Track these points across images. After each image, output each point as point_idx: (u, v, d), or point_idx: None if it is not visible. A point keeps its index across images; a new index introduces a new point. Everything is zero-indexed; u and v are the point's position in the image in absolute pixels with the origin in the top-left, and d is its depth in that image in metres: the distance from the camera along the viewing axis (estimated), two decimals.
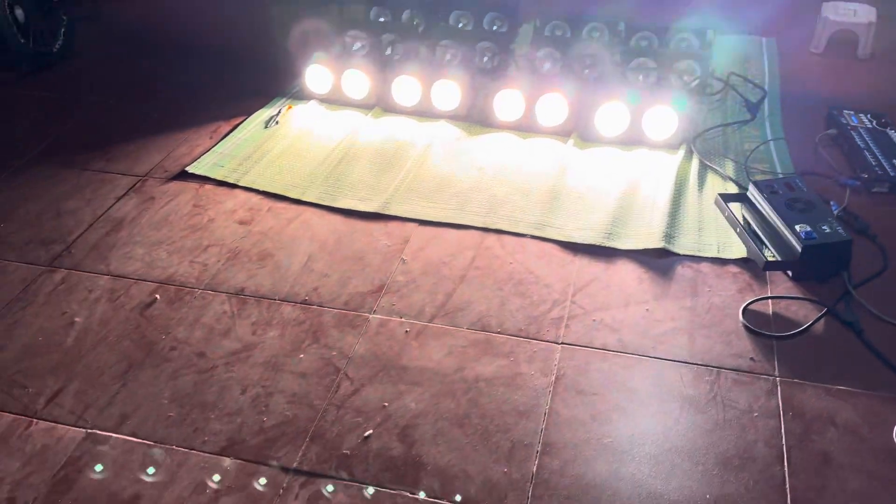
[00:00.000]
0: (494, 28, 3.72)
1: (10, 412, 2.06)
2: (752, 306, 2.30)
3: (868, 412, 1.96)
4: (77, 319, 2.35)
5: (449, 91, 3.27)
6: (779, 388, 2.04)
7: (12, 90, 3.74)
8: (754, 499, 1.78)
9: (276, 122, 3.32)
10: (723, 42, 3.78)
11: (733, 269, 2.46)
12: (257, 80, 3.70)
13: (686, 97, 3.03)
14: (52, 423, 2.02)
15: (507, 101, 3.19)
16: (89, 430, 2.00)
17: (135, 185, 2.97)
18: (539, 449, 1.91)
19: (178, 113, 3.46)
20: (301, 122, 3.34)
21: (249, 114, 3.42)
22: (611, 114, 3.07)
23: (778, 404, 2.00)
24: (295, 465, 1.89)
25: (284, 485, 1.85)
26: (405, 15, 3.78)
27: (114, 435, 1.98)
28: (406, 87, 3.32)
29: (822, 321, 2.24)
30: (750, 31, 3.99)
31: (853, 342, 2.18)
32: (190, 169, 3.03)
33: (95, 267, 2.56)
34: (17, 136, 3.34)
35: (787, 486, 1.80)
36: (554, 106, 3.14)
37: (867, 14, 3.66)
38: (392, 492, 1.82)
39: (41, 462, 1.92)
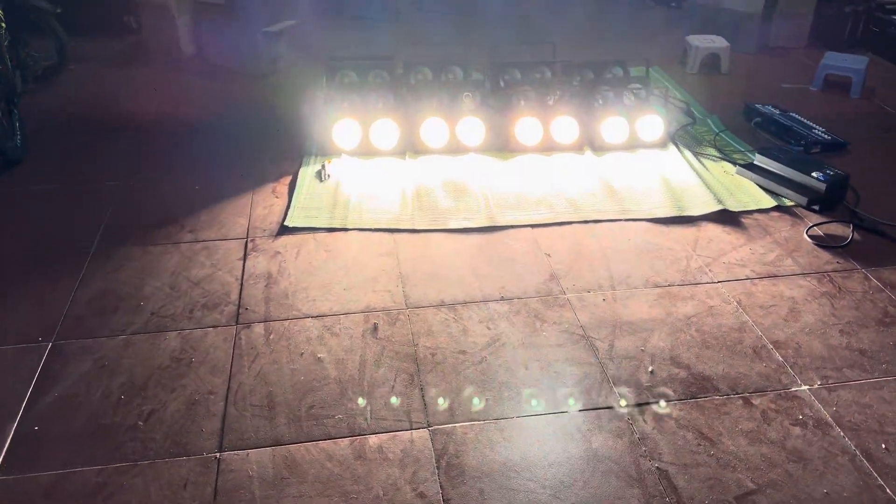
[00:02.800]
0: (450, 77, 4.32)
1: (341, 437, 2.13)
2: (809, 232, 3.14)
3: None
4: (320, 355, 2.44)
5: (474, 127, 3.77)
6: (868, 275, 2.88)
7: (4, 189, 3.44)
8: None
9: (329, 175, 3.53)
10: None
11: (775, 214, 3.30)
12: (266, 145, 3.85)
13: (660, 105, 3.89)
14: (389, 433, 2.15)
15: (526, 129, 3.78)
16: (431, 428, 2.16)
17: (246, 246, 3.02)
18: (771, 346, 2.50)
19: (216, 183, 3.49)
20: (349, 172, 3.58)
21: (293, 173, 3.58)
22: (613, 126, 3.80)
23: (877, 284, 2.82)
24: (622, 402, 2.26)
25: (628, 417, 2.21)
26: (371, 75, 4.22)
27: (457, 424, 2.18)
28: (433, 129, 3.74)
29: (857, 231, 3.14)
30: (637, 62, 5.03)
31: (879, 238, 3.10)
32: (289, 223, 3.14)
33: (288, 314, 2.63)
34: (63, 228, 3.13)
35: None
36: (566, 126, 3.79)
37: (721, 41, 4.89)
38: (704, 399, 2.28)
39: (414, 461, 2.06)
